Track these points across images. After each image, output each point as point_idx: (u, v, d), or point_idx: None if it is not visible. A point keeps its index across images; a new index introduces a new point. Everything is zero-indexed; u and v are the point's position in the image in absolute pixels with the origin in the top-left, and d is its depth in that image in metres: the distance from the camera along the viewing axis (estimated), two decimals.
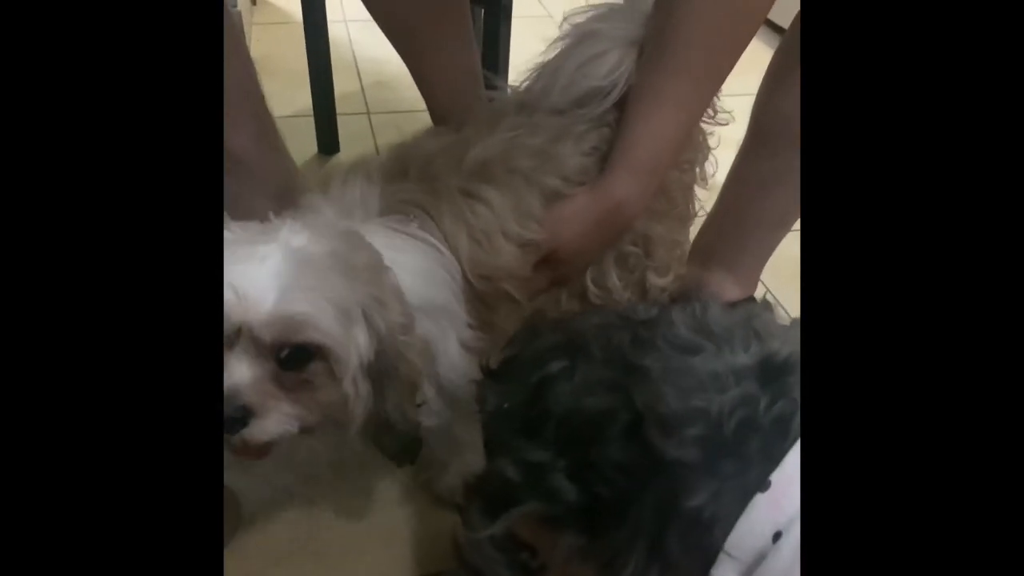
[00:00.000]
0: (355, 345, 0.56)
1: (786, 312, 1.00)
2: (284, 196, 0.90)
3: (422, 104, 1.05)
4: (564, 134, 0.74)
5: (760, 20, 0.71)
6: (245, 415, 0.54)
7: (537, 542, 0.52)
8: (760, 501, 0.43)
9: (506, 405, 0.51)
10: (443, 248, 0.67)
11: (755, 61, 0.92)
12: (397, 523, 0.79)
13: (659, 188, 0.77)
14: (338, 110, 1.30)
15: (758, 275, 0.96)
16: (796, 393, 0.44)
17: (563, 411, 0.47)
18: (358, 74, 1.50)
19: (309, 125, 1.31)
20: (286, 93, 1.30)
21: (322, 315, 0.54)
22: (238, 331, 0.52)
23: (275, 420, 0.55)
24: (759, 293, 0.98)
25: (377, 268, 0.60)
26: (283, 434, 0.56)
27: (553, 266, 0.75)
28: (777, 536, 0.42)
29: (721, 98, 0.83)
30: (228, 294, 0.51)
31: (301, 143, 1.27)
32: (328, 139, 1.31)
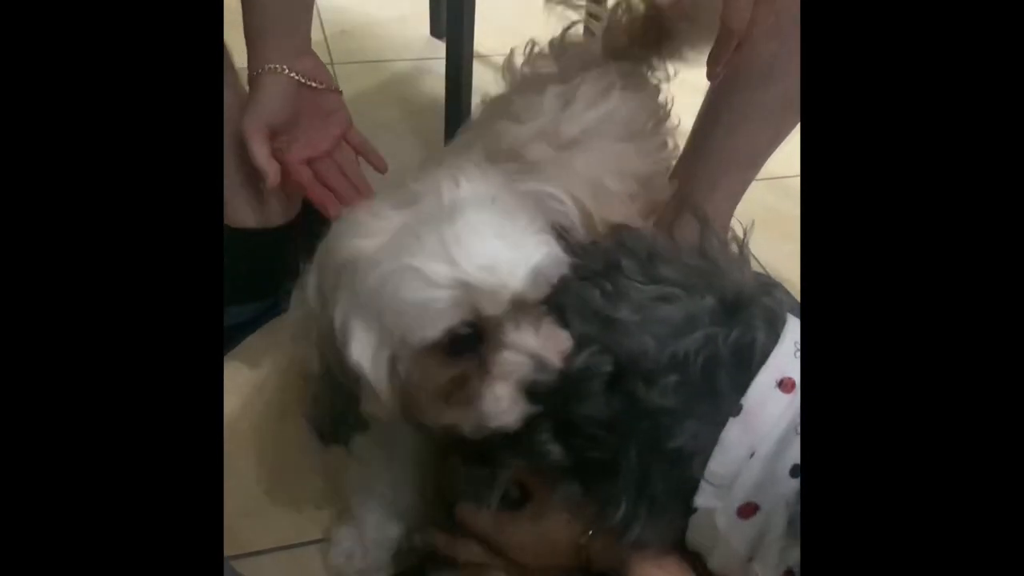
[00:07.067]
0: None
1: (757, 261, 1.02)
2: None
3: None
4: None
5: None
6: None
7: (533, 487, 0.54)
8: (733, 426, 0.45)
9: None
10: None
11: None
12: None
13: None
14: None
15: (730, 217, 0.97)
16: (753, 323, 0.46)
17: None
18: (321, 24, 1.45)
19: None
20: None
21: (551, 247, 0.49)
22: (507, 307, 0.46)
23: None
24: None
25: None
26: None
27: None
28: (751, 456, 0.45)
29: None
30: (475, 275, 0.45)
31: None
32: None
